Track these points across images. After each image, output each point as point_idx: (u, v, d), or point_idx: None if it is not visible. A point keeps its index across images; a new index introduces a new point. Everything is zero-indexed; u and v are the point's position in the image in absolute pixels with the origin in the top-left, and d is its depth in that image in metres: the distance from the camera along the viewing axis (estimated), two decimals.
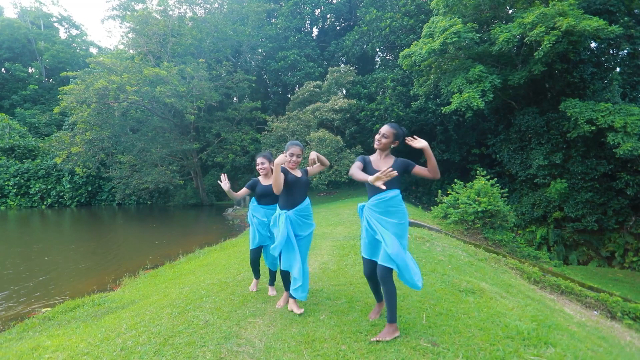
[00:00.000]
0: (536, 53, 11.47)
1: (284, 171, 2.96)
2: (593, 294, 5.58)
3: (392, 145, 2.61)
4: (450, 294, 3.48)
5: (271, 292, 3.56)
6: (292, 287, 2.90)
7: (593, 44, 13.57)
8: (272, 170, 3.30)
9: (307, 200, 3.08)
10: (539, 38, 11.07)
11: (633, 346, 3.81)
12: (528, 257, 8.79)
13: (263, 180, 3.49)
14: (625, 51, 13.66)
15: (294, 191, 2.99)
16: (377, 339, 2.41)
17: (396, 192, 2.52)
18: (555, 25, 10.85)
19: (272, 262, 3.54)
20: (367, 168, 2.60)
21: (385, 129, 2.60)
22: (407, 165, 2.54)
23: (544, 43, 10.98)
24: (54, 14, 38.71)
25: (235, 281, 4.12)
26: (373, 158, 2.67)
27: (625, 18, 12.70)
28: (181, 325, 2.81)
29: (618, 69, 13.75)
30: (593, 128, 11.42)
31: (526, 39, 11.65)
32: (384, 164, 2.60)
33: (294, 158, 2.96)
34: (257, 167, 3.46)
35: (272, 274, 3.61)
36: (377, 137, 2.63)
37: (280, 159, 2.75)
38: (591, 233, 13.24)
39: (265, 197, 3.45)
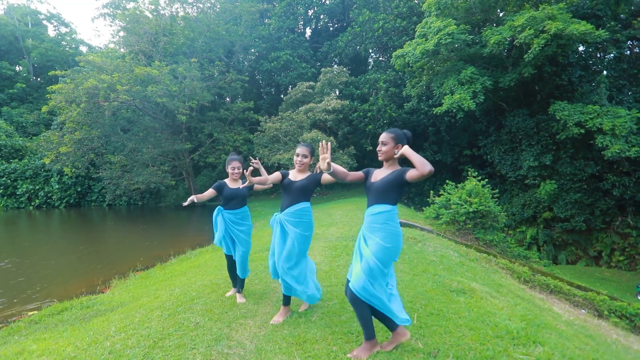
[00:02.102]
0: (526, 55, 11.65)
1: (284, 174, 2.95)
2: (581, 293, 5.68)
3: (396, 152, 2.32)
4: (442, 294, 3.50)
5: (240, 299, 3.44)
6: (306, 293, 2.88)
7: (581, 48, 13.85)
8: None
9: (298, 204, 2.87)
10: (528, 41, 11.25)
11: (619, 344, 3.89)
12: (518, 257, 8.92)
13: (231, 184, 3.48)
14: (612, 55, 13.96)
15: (287, 194, 2.93)
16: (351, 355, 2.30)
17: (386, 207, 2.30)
18: (545, 29, 11.05)
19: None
20: (366, 179, 2.45)
21: (382, 136, 2.38)
22: (403, 174, 2.26)
23: (533, 46, 11.17)
24: (42, 12, 38.00)
25: (227, 282, 4.09)
26: (377, 170, 2.47)
27: (612, 22, 12.99)
28: (171, 328, 2.78)
29: (605, 72, 14.04)
30: (582, 130, 11.64)
31: (516, 41, 11.84)
32: (381, 174, 2.40)
33: (299, 158, 2.90)
34: (232, 171, 3.42)
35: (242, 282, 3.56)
36: (377, 148, 2.42)
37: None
38: (579, 233, 13.49)
39: (232, 200, 3.45)
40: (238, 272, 3.47)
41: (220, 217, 3.47)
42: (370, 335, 2.29)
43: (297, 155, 2.90)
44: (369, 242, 2.29)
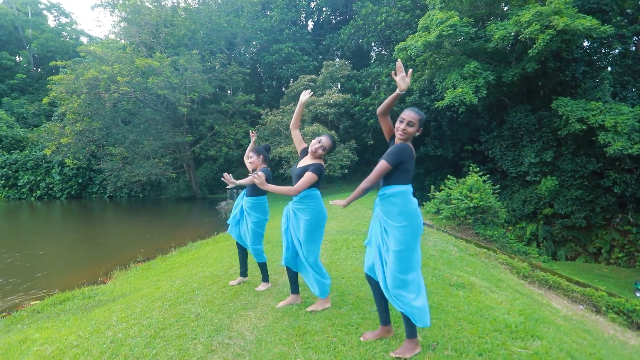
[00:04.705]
0: (530, 50, 11.53)
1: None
2: (579, 288, 5.71)
3: (417, 134, 2.22)
4: (441, 288, 3.52)
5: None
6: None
7: (585, 43, 13.70)
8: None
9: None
10: (533, 36, 11.13)
11: (616, 339, 3.92)
12: (518, 252, 8.95)
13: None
14: (617, 50, 13.82)
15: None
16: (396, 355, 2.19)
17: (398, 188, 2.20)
18: (551, 24, 10.92)
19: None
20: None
21: (411, 115, 2.15)
22: None
23: (538, 41, 11.04)
24: (42, 1, 37.64)
25: (227, 274, 4.12)
26: None
27: (618, 17, 12.83)
28: (172, 318, 2.80)
29: (609, 68, 13.91)
30: (584, 127, 11.57)
31: (521, 36, 11.71)
32: None
33: (320, 149, 2.81)
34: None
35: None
36: (400, 125, 2.16)
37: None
38: (579, 229, 13.50)
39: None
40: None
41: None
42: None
43: (319, 142, 2.80)
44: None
